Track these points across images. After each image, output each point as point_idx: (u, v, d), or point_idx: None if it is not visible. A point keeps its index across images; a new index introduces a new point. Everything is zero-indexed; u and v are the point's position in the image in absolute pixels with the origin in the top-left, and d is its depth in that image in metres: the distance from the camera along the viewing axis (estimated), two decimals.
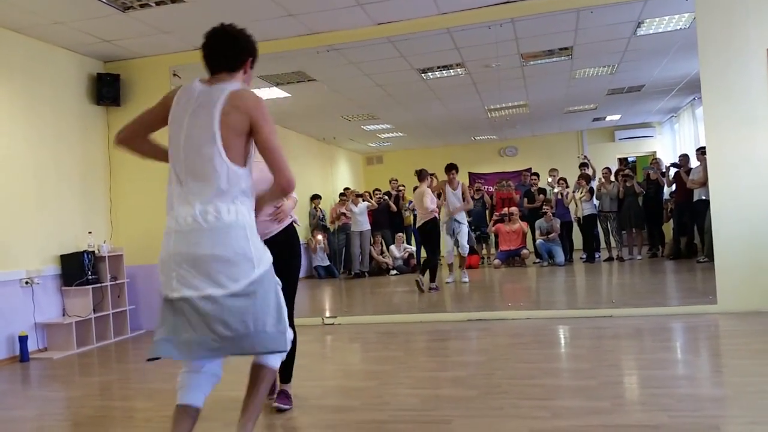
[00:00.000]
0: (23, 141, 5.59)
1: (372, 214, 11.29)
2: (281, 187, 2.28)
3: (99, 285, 5.99)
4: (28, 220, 5.63)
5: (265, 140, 2.24)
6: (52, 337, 5.68)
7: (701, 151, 8.71)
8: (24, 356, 5.34)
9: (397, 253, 11.10)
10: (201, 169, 2.22)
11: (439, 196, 8.40)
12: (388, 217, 11.61)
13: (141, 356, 5.41)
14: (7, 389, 4.52)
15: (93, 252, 6.03)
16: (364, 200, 11.14)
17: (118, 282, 6.29)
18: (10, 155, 5.46)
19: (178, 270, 2.23)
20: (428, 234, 8.07)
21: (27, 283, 5.53)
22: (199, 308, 2.20)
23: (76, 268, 5.86)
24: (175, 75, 6.60)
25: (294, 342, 2.93)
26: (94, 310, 5.91)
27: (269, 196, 2.40)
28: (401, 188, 12.02)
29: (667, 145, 13.56)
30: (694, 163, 9.55)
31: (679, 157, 9.79)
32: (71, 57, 6.31)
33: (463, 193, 8.34)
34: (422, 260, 8.77)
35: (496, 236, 11.17)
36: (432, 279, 7.94)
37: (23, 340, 5.35)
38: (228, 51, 2.38)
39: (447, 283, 8.62)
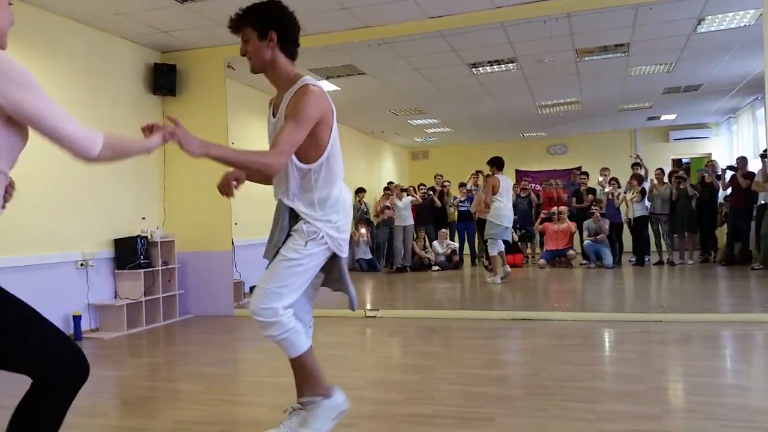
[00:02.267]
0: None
1: (416, 209, 11.28)
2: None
3: (150, 269, 6.16)
4: (85, 204, 5.82)
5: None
6: (104, 318, 5.87)
7: (764, 154, 8.41)
8: (77, 335, 5.53)
9: (439, 249, 11.06)
10: None
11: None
12: (432, 213, 11.58)
13: (188, 340, 5.56)
14: None
15: (146, 237, 6.21)
16: (408, 195, 11.13)
17: (169, 267, 6.45)
18: None
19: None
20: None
21: (82, 265, 5.73)
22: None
23: (129, 252, 6.04)
24: (229, 66, 6.72)
25: None
26: (145, 294, 6.08)
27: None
28: (446, 184, 11.97)
29: (724, 147, 13.11)
30: (751, 166, 9.22)
31: (737, 159, 9.46)
32: (130, 47, 6.48)
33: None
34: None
35: (542, 235, 11.01)
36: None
37: (77, 319, 5.54)
38: None
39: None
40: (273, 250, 2.51)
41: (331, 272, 2.60)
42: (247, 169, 2.41)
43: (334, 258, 2.54)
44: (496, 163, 8.40)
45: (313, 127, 2.33)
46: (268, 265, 2.51)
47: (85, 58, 5.89)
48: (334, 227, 2.47)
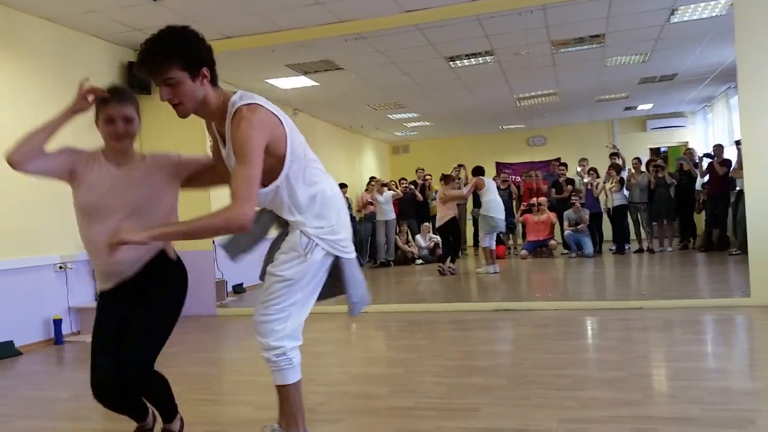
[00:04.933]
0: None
1: (397, 203, 11.29)
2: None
3: None
4: (62, 206, 5.67)
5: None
6: (84, 320, 5.79)
7: (739, 142, 8.54)
8: (58, 339, 5.46)
9: (422, 243, 11.08)
10: None
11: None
12: (414, 207, 11.59)
13: (171, 340, 5.46)
14: (43, 370, 4.64)
15: None
16: (389, 189, 11.13)
17: None
18: None
19: None
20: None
21: (61, 267, 5.65)
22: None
23: None
24: None
25: (164, 380, 2.57)
26: None
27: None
28: (428, 177, 11.98)
29: (700, 135, 13.30)
30: (727, 153, 9.35)
31: (713, 147, 9.59)
32: (103, 45, 6.39)
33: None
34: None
35: (524, 226, 11.09)
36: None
37: (57, 323, 5.47)
38: None
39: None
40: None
41: (336, 277, 2.39)
42: (213, 235, 2.19)
43: (338, 262, 2.36)
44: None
45: (266, 149, 2.09)
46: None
47: (54, 57, 5.79)
48: (326, 231, 2.28)
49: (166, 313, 2.42)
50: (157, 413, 2.66)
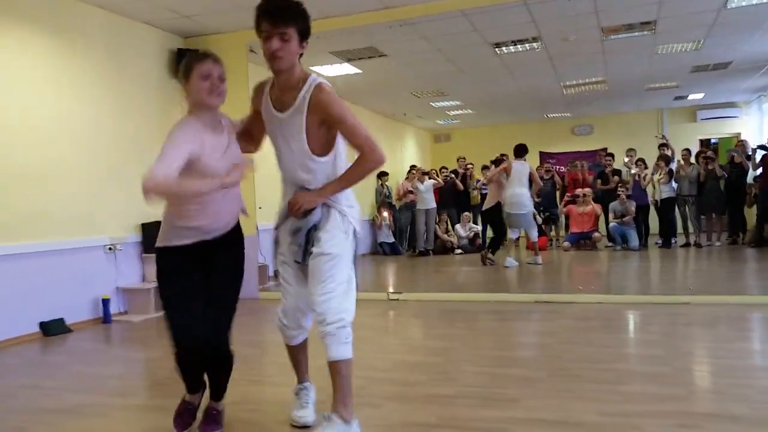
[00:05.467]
0: (107, 112, 5.84)
1: (438, 192, 11.24)
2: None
3: None
4: (112, 189, 5.90)
5: None
6: (132, 301, 5.97)
7: None
8: (107, 318, 5.64)
9: (462, 233, 11.03)
10: None
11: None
12: (454, 196, 11.53)
13: None
14: (93, 348, 4.81)
15: None
16: (430, 178, 11.08)
17: None
18: (95, 126, 5.73)
19: None
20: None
21: (110, 249, 5.83)
22: None
23: (156, 236, 6.11)
24: (251, 51, 6.72)
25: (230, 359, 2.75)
26: None
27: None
28: (469, 167, 11.88)
29: (754, 126, 12.82)
30: None
31: None
32: (152, 32, 6.52)
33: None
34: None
35: (567, 218, 10.91)
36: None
37: (106, 303, 5.65)
38: None
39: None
40: (285, 223, 2.54)
41: None
42: (362, 179, 2.43)
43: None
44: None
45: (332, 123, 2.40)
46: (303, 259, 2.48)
47: (107, 44, 5.94)
48: (356, 212, 2.53)
49: (237, 284, 2.69)
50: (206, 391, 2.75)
